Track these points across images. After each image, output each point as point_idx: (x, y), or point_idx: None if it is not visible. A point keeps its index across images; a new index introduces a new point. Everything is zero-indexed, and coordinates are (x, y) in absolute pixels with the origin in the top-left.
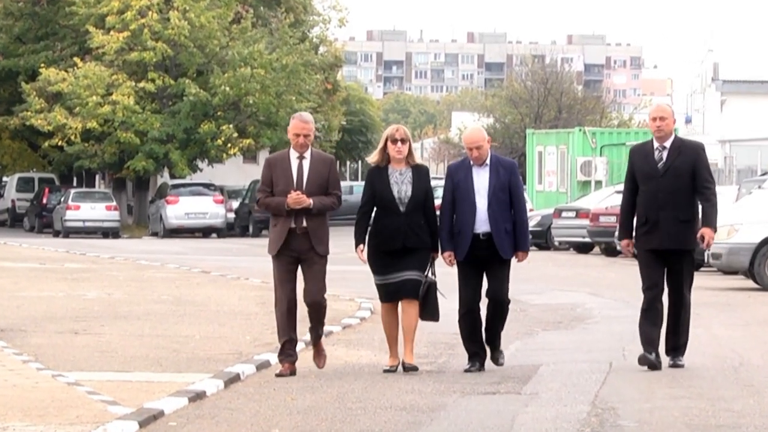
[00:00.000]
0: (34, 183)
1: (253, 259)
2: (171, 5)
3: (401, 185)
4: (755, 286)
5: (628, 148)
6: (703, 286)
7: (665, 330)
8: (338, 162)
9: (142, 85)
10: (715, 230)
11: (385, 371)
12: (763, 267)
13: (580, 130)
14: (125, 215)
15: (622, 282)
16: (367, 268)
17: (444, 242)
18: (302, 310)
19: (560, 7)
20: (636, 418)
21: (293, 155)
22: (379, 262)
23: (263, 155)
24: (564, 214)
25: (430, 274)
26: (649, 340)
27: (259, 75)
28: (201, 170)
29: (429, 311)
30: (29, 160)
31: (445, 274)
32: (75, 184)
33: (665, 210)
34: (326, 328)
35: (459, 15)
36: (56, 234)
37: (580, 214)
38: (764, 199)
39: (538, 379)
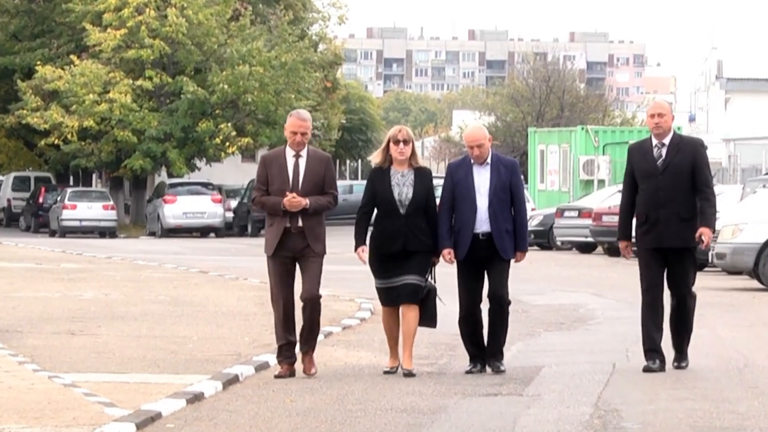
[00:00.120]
0: (30, 182)
1: (252, 259)
2: (168, 2)
3: (402, 187)
4: (760, 286)
5: None
6: (707, 287)
7: (668, 330)
8: (338, 161)
9: (139, 83)
10: (713, 230)
11: (386, 372)
12: None
13: (582, 128)
14: (122, 215)
15: (625, 282)
16: (366, 268)
17: (443, 240)
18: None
19: (563, 4)
20: (639, 420)
21: (289, 153)
22: (379, 266)
23: (262, 154)
24: (566, 213)
25: (430, 279)
26: (651, 346)
27: (258, 73)
28: (199, 169)
29: (427, 317)
30: (25, 159)
31: (445, 274)
32: (71, 183)
33: (666, 208)
34: (326, 328)
35: (460, 12)
36: (52, 234)
37: (582, 213)
38: None
39: (541, 380)
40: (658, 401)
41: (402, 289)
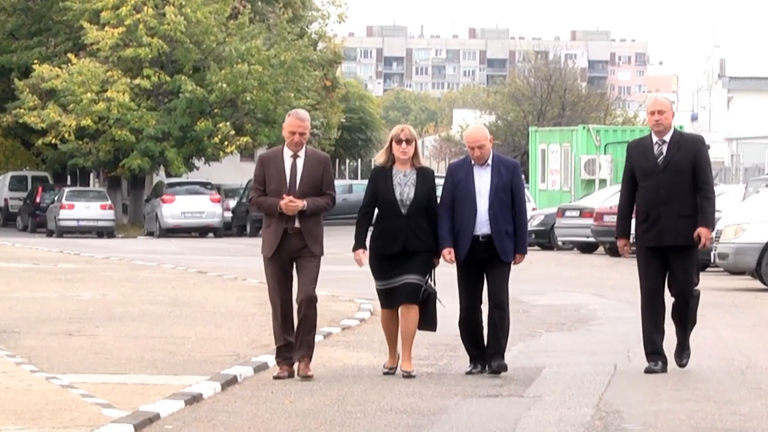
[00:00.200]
0: (27, 181)
1: (251, 259)
2: (167, 0)
3: (404, 187)
4: (762, 286)
5: None
6: (710, 287)
7: (670, 327)
8: (337, 160)
9: (137, 81)
10: (712, 230)
11: (385, 373)
12: None
13: (584, 127)
14: (120, 214)
15: (626, 282)
16: (366, 268)
17: (443, 239)
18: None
19: (564, 2)
20: (641, 422)
21: (287, 153)
22: (380, 267)
23: (260, 153)
24: (567, 213)
25: (430, 282)
26: (653, 349)
27: (257, 71)
28: (197, 168)
29: (427, 321)
30: (22, 159)
31: (445, 274)
32: (69, 182)
33: (667, 206)
34: (325, 329)
35: (460, 10)
36: (50, 233)
37: (583, 213)
38: None
39: (541, 381)
40: (659, 402)
41: (402, 289)
